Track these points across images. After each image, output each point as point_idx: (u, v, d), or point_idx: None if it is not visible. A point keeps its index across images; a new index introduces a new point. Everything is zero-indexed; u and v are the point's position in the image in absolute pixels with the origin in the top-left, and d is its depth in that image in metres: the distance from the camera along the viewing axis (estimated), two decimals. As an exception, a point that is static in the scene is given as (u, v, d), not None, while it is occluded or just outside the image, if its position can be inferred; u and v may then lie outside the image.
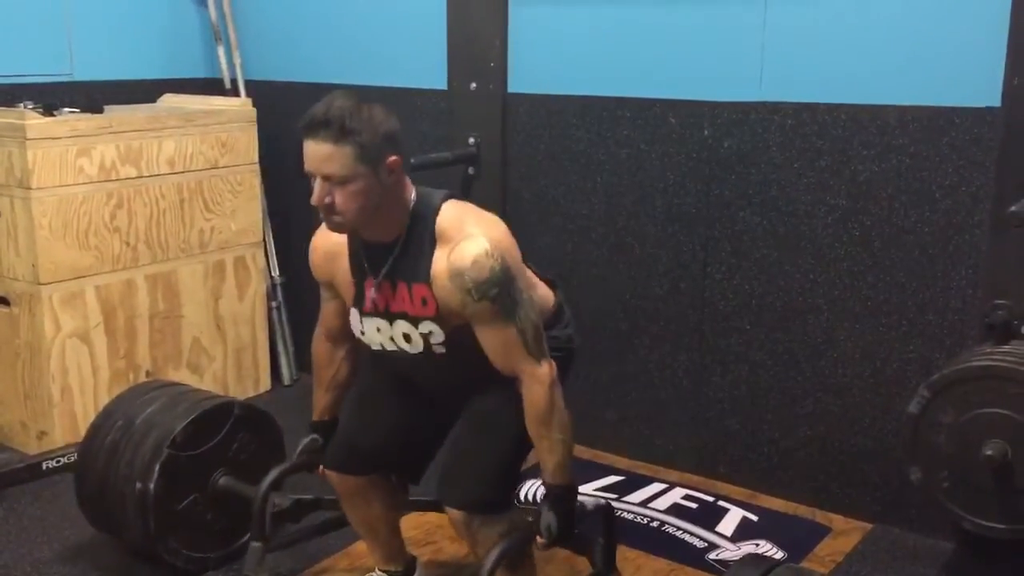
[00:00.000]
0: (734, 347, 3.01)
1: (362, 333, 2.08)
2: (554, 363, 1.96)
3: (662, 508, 2.94)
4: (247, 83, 3.92)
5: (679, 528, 2.83)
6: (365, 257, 2.01)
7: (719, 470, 3.10)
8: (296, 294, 3.89)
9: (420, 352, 2.02)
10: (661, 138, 3.03)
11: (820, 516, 2.88)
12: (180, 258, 3.49)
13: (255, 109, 3.68)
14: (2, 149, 3.08)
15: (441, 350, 2.00)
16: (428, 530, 2.75)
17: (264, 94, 3.81)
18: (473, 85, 3.34)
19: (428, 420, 2.19)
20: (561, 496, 1.99)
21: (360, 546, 2.63)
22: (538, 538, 1.99)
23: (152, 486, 2.41)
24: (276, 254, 3.93)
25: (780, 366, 2.93)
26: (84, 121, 3.19)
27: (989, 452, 2.31)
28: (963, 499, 2.40)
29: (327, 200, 1.87)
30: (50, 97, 3.28)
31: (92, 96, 3.51)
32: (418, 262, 1.94)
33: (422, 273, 1.94)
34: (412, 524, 2.47)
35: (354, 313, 2.08)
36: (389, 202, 1.92)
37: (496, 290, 1.87)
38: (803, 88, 2.76)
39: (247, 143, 3.65)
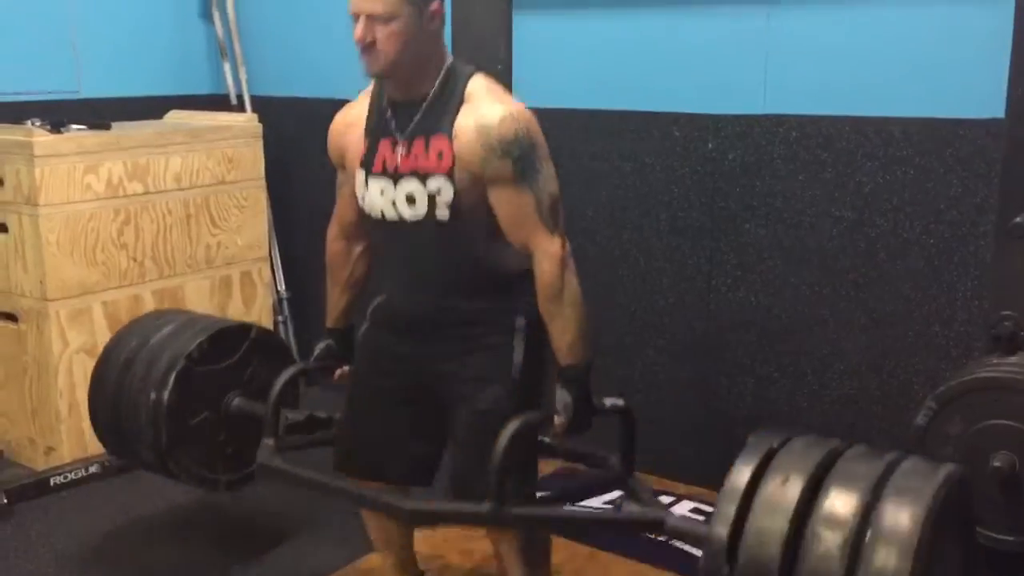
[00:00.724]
0: (740, 359, 3.00)
1: (363, 198, 2.04)
2: (567, 240, 1.95)
3: (669, 521, 2.93)
4: (253, 99, 3.95)
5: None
6: (392, 115, 2.00)
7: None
8: (302, 309, 3.90)
9: (421, 218, 1.97)
10: (665, 151, 3.04)
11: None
12: (187, 273, 3.50)
13: (261, 125, 3.70)
14: (10, 166, 3.10)
15: (444, 214, 1.95)
16: (435, 544, 2.75)
17: (270, 110, 3.83)
18: (478, 99, 3.35)
19: (427, 414, 2.13)
20: (576, 376, 1.97)
21: (366, 562, 2.63)
22: (556, 418, 1.96)
23: (166, 396, 2.41)
24: (282, 269, 3.95)
25: (786, 378, 2.93)
26: (91, 138, 3.21)
27: (997, 464, 2.31)
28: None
29: (369, 38, 1.88)
30: (57, 114, 3.30)
31: (99, 113, 3.53)
32: (442, 117, 1.94)
33: (445, 126, 1.93)
34: (420, 538, 2.47)
35: (360, 176, 2.04)
36: (426, 51, 1.93)
37: (519, 151, 1.89)
38: (807, 100, 2.77)
39: (253, 158, 3.67)
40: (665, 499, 3.05)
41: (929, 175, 2.61)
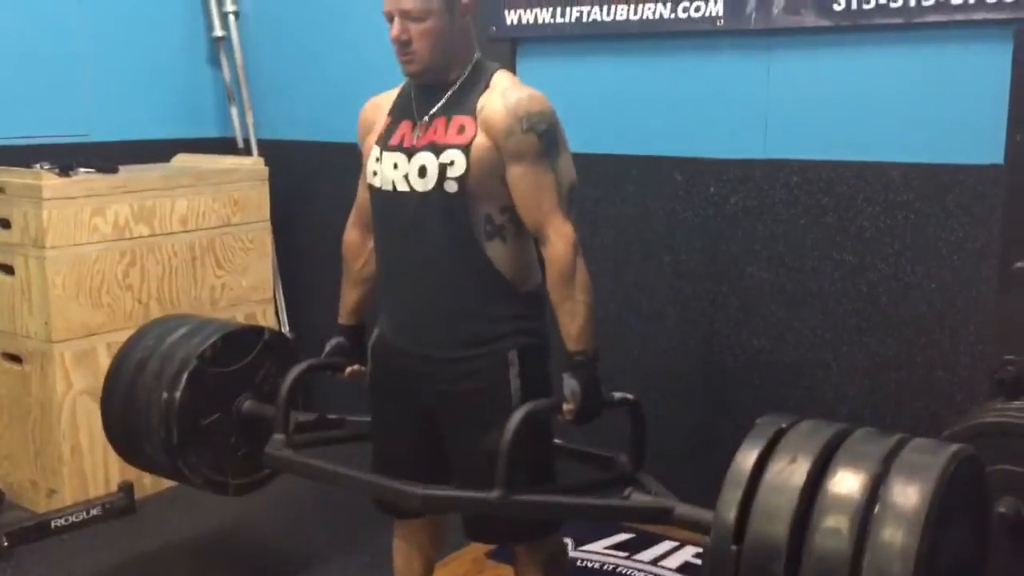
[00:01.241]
0: (743, 403, 3.00)
1: (375, 174, 2.05)
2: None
3: (673, 567, 2.91)
4: (259, 142, 3.99)
5: (690, 587, 2.80)
6: (416, 99, 2.04)
7: (730, 527, 3.07)
8: (306, 351, 3.89)
9: (430, 191, 1.96)
10: (668, 195, 3.06)
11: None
12: (191, 315, 3.51)
13: (267, 168, 3.73)
14: (18, 209, 3.13)
15: (453, 188, 1.95)
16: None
17: (276, 153, 3.87)
18: (482, 144, 3.38)
19: (429, 444, 2.13)
20: (584, 362, 1.97)
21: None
22: (565, 406, 1.95)
23: (178, 395, 2.41)
24: (286, 311, 3.96)
25: (790, 422, 2.92)
26: (99, 181, 3.24)
27: (1002, 510, 2.29)
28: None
29: (405, 36, 1.93)
30: (67, 157, 3.33)
31: (108, 156, 3.57)
32: (467, 100, 1.99)
33: (468, 106, 1.98)
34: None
35: (375, 151, 2.06)
36: (459, 47, 1.99)
37: (545, 125, 1.94)
38: (807, 146, 2.80)
39: (259, 201, 3.70)
40: (668, 544, 3.04)
41: (930, 220, 2.62)
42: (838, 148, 2.74)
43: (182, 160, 3.80)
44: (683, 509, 1.90)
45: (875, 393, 2.76)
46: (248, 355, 2.54)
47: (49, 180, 3.11)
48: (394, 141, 2.04)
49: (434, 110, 2.01)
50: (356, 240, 2.27)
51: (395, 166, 2.02)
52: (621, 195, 3.14)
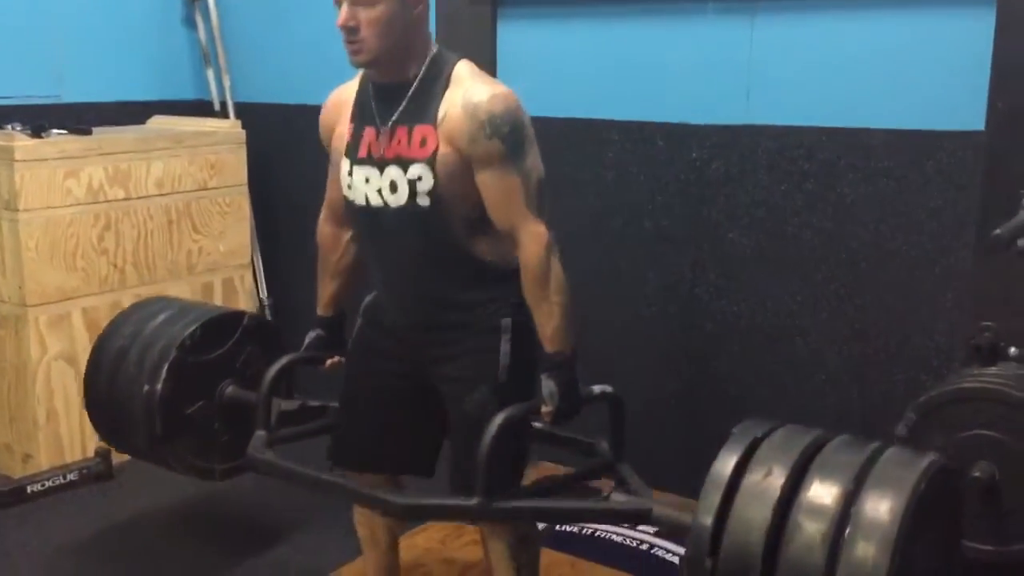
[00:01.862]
0: (722, 369, 3.01)
1: (349, 186, 2.03)
2: (549, 227, 1.95)
3: (651, 530, 2.93)
4: (236, 105, 3.93)
5: (670, 551, 2.82)
6: (376, 103, 1.99)
7: (708, 492, 3.10)
8: (285, 316, 3.88)
9: (403, 205, 1.95)
10: (649, 160, 3.04)
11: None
12: (168, 280, 3.48)
13: (244, 131, 3.69)
14: (-11, 171, 3.08)
15: (425, 202, 1.93)
16: (418, 554, 2.74)
17: (253, 116, 3.82)
18: (462, 108, 3.35)
19: (415, 410, 2.15)
20: (561, 363, 1.96)
21: (349, 569, 2.62)
22: (543, 408, 1.96)
23: (160, 387, 2.40)
24: (264, 276, 3.93)
25: (768, 388, 2.94)
26: (72, 143, 3.19)
27: (977, 474, 2.32)
28: (951, 521, 2.40)
29: (352, 23, 1.87)
30: (39, 119, 3.28)
31: (81, 118, 3.51)
32: (427, 104, 1.93)
33: (429, 115, 1.92)
34: (403, 547, 2.45)
35: (345, 163, 2.03)
36: (411, 37, 1.92)
37: (508, 128, 1.88)
38: (789, 111, 2.79)
39: (236, 165, 3.66)
40: (647, 508, 3.06)
41: (910, 186, 2.63)
42: (820, 114, 2.74)
43: (157, 123, 3.75)
44: (661, 511, 1.92)
45: (853, 359, 2.78)
46: (228, 341, 2.53)
47: (21, 141, 3.06)
48: (362, 152, 2.00)
49: (395, 116, 1.96)
50: (330, 234, 2.25)
51: (367, 180, 2.00)
52: (602, 160, 3.13)
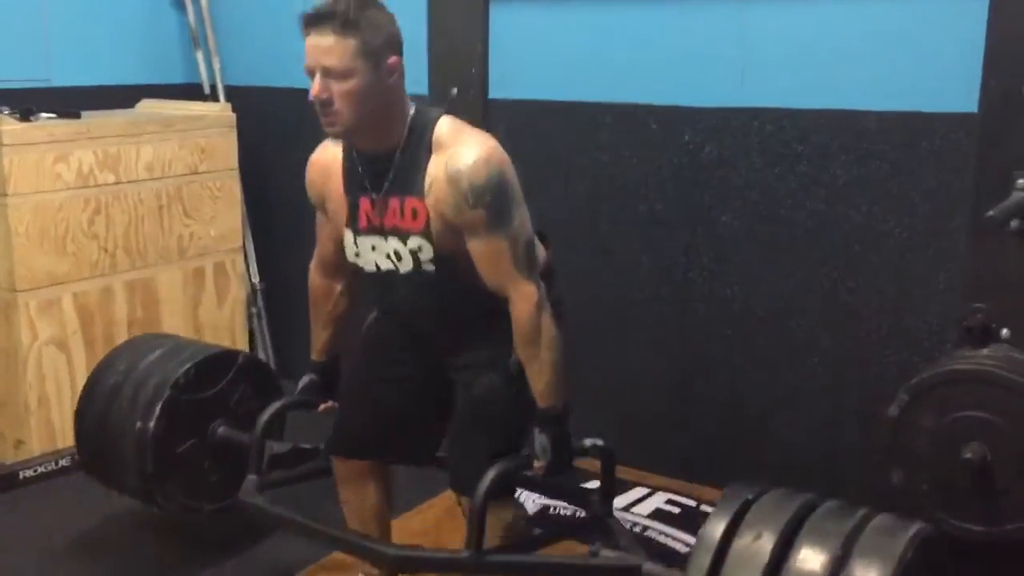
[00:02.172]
0: (715, 352, 3.01)
1: (356, 255, 2.05)
2: (542, 284, 1.95)
3: (645, 513, 2.94)
4: (226, 88, 3.90)
5: (662, 532, 2.83)
6: (365, 171, 1.98)
7: (702, 474, 3.11)
8: (276, 300, 3.87)
9: (411, 270, 1.99)
10: (642, 143, 3.04)
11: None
12: (159, 264, 3.46)
13: (234, 114, 3.66)
14: (-22, 155, 3.05)
15: (430, 267, 1.97)
16: (412, 536, 2.73)
17: (243, 99, 3.80)
18: (454, 91, 3.33)
19: (421, 401, 2.18)
20: (553, 418, 1.97)
21: (338, 556, 2.62)
22: (535, 463, 1.97)
23: (152, 425, 2.41)
24: (256, 260, 3.91)
25: (761, 371, 2.94)
26: (61, 127, 3.16)
27: (968, 455, 2.33)
28: (943, 501, 2.41)
29: (325, 95, 1.85)
30: (27, 102, 3.25)
31: (69, 101, 3.48)
32: (414, 175, 1.93)
33: (416, 186, 1.92)
34: (396, 530, 2.46)
35: (348, 235, 2.05)
36: (387, 106, 1.90)
37: (491, 196, 1.87)
38: (783, 94, 2.78)
39: (226, 149, 3.63)
40: (640, 491, 3.07)
41: (903, 169, 2.63)
42: (814, 96, 2.73)
43: (147, 106, 3.72)
44: (651, 568, 1.94)
45: (846, 342, 2.79)
46: (222, 380, 2.55)
47: (9, 125, 3.03)
48: (362, 223, 2.02)
49: (385, 186, 1.96)
50: (322, 285, 2.27)
51: (373, 248, 2.02)
52: (595, 143, 3.12)
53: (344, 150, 2.03)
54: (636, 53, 3.01)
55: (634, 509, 2.96)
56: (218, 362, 2.55)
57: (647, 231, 3.07)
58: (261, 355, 3.89)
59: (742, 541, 1.63)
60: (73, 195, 3.18)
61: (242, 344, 3.80)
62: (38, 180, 3.08)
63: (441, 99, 3.36)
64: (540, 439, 1.96)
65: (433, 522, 2.81)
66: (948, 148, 2.56)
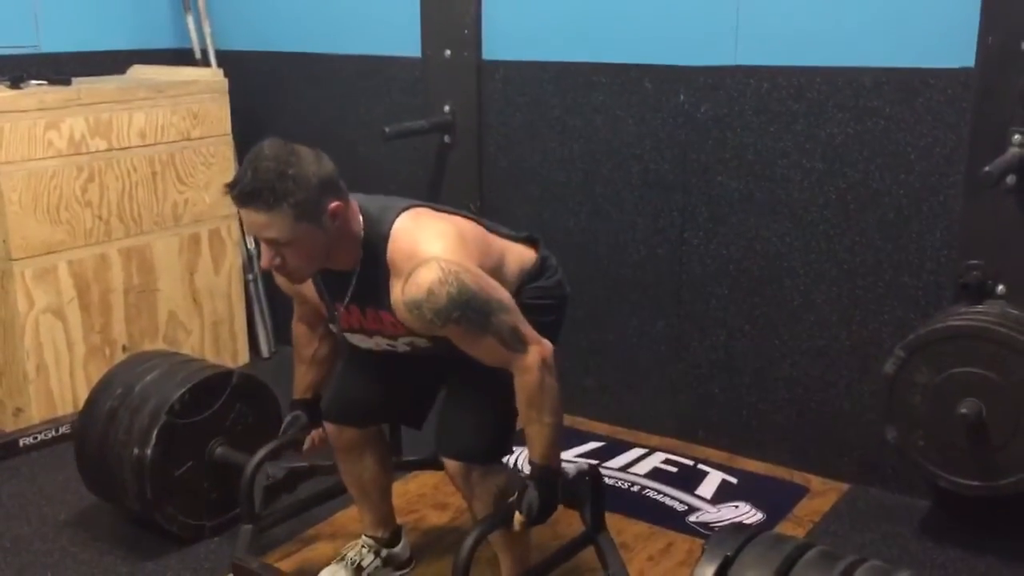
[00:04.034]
0: (712, 312, 3.02)
1: (346, 338, 2.11)
2: (544, 342, 1.94)
3: (643, 472, 2.96)
4: (218, 53, 3.86)
5: (660, 492, 2.85)
6: (326, 286, 2.03)
7: (698, 434, 3.13)
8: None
9: (408, 351, 2.05)
10: (637, 104, 3.02)
11: (798, 477, 2.92)
12: (154, 232, 3.45)
13: (227, 80, 3.63)
14: (-32, 123, 3.02)
15: (428, 345, 2.01)
16: (411, 499, 2.76)
17: (235, 64, 3.76)
18: (447, 52, 3.31)
19: (422, 370, 2.19)
20: (546, 478, 1.98)
21: (344, 515, 2.64)
22: (517, 516, 1.98)
23: (150, 452, 2.43)
24: (251, 226, 3.89)
25: (757, 330, 2.95)
26: (52, 93, 3.13)
27: (964, 411, 2.35)
28: (938, 457, 2.43)
29: (277, 261, 1.87)
30: (16, 69, 3.22)
31: (59, 68, 3.45)
32: (378, 291, 1.94)
33: (384, 303, 1.94)
34: (396, 493, 2.47)
35: (334, 327, 2.10)
36: (339, 244, 1.91)
37: (458, 313, 1.84)
38: (778, 52, 2.76)
39: (219, 114, 3.61)
40: (638, 451, 3.09)
41: (899, 125, 2.62)
42: (809, 53, 2.71)
43: (138, 72, 3.68)
44: None
45: (842, 299, 2.79)
46: (217, 401, 2.56)
47: (-1, 92, 3.01)
48: (345, 325, 2.04)
49: (349, 297, 1.98)
50: (304, 332, 2.31)
51: (361, 340, 2.06)
52: (591, 104, 3.10)
53: None
54: (630, 12, 2.98)
55: (632, 469, 2.98)
56: (213, 383, 2.57)
57: (643, 192, 3.06)
58: (258, 321, 3.90)
59: None
60: (65, 163, 3.17)
61: (239, 311, 3.80)
62: (30, 148, 3.06)
63: (434, 62, 3.34)
64: (530, 494, 1.96)
65: (431, 485, 2.83)
66: (944, 104, 2.54)
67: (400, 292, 1.87)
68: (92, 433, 2.56)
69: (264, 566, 2.29)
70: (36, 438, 3.08)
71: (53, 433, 3.10)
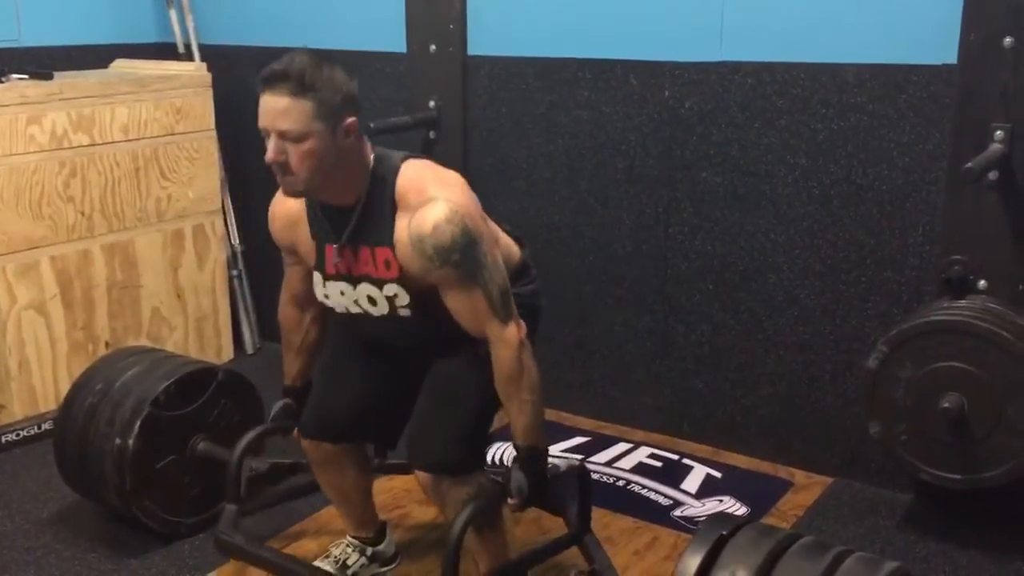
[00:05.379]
0: (696, 307, 3.03)
1: (326, 296, 2.05)
2: (523, 324, 1.95)
3: (627, 467, 2.97)
4: (201, 47, 3.84)
5: (644, 487, 2.86)
6: (327, 220, 1.98)
7: (683, 429, 3.14)
8: (257, 262, 3.85)
9: (385, 314, 2.00)
10: (622, 100, 3.02)
11: (782, 471, 2.93)
12: (137, 227, 3.43)
13: (210, 74, 3.61)
14: (-51, 117, 3.00)
15: (407, 312, 1.98)
16: (396, 495, 2.76)
17: (219, 58, 3.74)
18: (432, 47, 3.31)
19: (399, 384, 2.18)
20: (531, 457, 1.98)
21: (329, 512, 2.63)
22: (510, 500, 1.98)
23: (131, 442, 2.41)
24: (236, 222, 3.88)
25: (742, 325, 2.96)
26: (33, 88, 3.11)
27: (946, 405, 2.36)
28: (921, 451, 2.45)
29: (281, 158, 1.83)
30: (-3, 63, 3.21)
31: (41, 62, 3.43)
32: (381, 226, 1.92)
33: (385, 237, 1.91)
34: (380, 489, 2.48)
35: (317, 276, 2.05)
36: (345, 164, 1.88)
37: (458, 255, 1.85)
38: (763, 48, 2.77)
39: (203, 109, 3.59)
40: (623, 446, 3.10)
41: (882, 121, 2.63)
42: (793, 49, 2.72)
43: (120, 66, 3.66)
44: None
45: (825, 294, 2.80)
46: (202, 396, 2.54)
47: (-20, 87, 2.99)
48: (330, 269, 2.00)
49: (348, 234, 1.94)
50: (293, 316, 2.27)
51: (342, 293, 2.01)
52: (575, 100, 3.10)
53: (305, 198, 2.02)
54: (615, 8, 2.98)
55: (617, 464, 2.99)
56: (199, 377, 2.55)
57: (628, 187, 3.07)
58: (243, 317, 3.89)
59: None
60: (47, 157, 3.14)
61: (224, 307, 3.79)
62: (11, 142, 3.04)
63: (419, 57, 3.33)
64: (517, 477, 1.96)
65: (415, 483, 2.82)
66: (927, 100, 2.56)
67: (406, 225, 1.87)
68: (72, 428, 2.53)
69: (247, 540, 2.23)
70: (18, 435, 3.06)
71: (35, 430, 3.08)
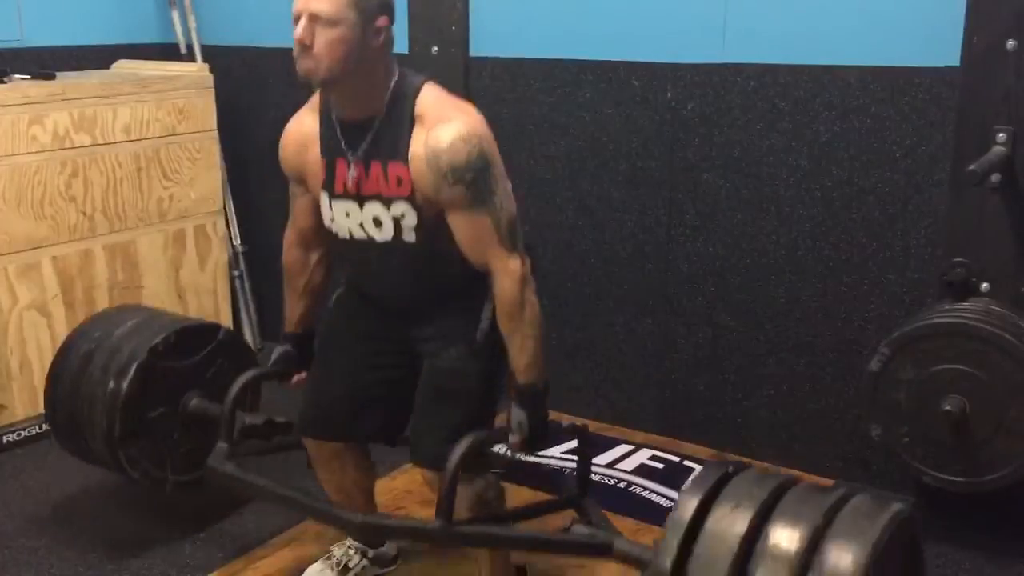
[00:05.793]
0: (698, 309, 3.03)
1: (331, 220, 2.02)
2: (528, 258, 1.93)
3: (629, 469, 2.97)
4: (203, 48, 3.85)
5: (646, 488, 2.86)
6: (341, 136, 1.95)
7: (684, 430, 3.14)
8: (258, 263, 3.86)
9: (390, 240, 1.96)
10: (624, 101, 3.02)
11: (783, 473, 2.92)
12: (139, 227, 3.43)
13: (212, 75, 3.61)
14: (-49, 117, 3.00)
15: (411, 237, 1.95)
16: (397, 496, 2.76)
17: (221, 59, 3.75)
18: (435, 49, 3.31)
19: (394, 372, 2.15)
20: (531, 395, 1.96)
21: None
22: (511, 437, 1.96)
23: (125, 385, 2.39)
24: (237, 223, 3.89)
25: (743, 327, 2.96)
26: (35, 88, 3.11)
27: (948, 407, 2.36)
28: (923, 454, 2.45)
29: (307, 40, 1.81)
30: (0, 64, 3.19)
31: (43, 62, 3.43)
32: (396, 140, 1.90)
33: (400, 152, 1.89)
34: (381, 490, 2.47)
35: (324, 198, 2.02)
36: (370, 67, 1.87)
37: (472, 175, 1.84)
38: (765, 50, 2.77)
39: (205, 110, 3.59)
40: (624, 448, 3.10)
41: (885, 124, 2.63)
42: (796, 51, 2.72)
43: (122, 67, 3.66)
44: (622, 544, 1.89)
45: (827, 297, 2.80)
46: (200, 352, 2.53)
47: (-18, 86, 2.99)
48: (338, 188, 1.98)
49: (364, 149, 1.92)
50: (298, 258, 2.23)
51: (347, 214, 1.99)
52: (577, 102, 3.10)
53: (321, 115, 2.00)
54: (618, 10, 2.98)
55: (618, 465, 2.99)
56: (199, 333, 2.53)
57: (629, 189, 3.07)
58: (244, 318, 3.89)
59: (715, 520, 1.60)
60: (49, 157, 3.14)
61: (225, 308, 3.79)
62: (13, 142, 3.04)
63: (421, 58, 3.33)
64: (517, 414, 1.95)
65: (418, 481, 2.81)
66: (929, 103, 2.56)
67: (423, 141, 1.86)
68: (65, 373, 2.51)
69: (237, 469, 2.18)
70: (20, 435, 3.07)
71: (37, 430, 3.09)
